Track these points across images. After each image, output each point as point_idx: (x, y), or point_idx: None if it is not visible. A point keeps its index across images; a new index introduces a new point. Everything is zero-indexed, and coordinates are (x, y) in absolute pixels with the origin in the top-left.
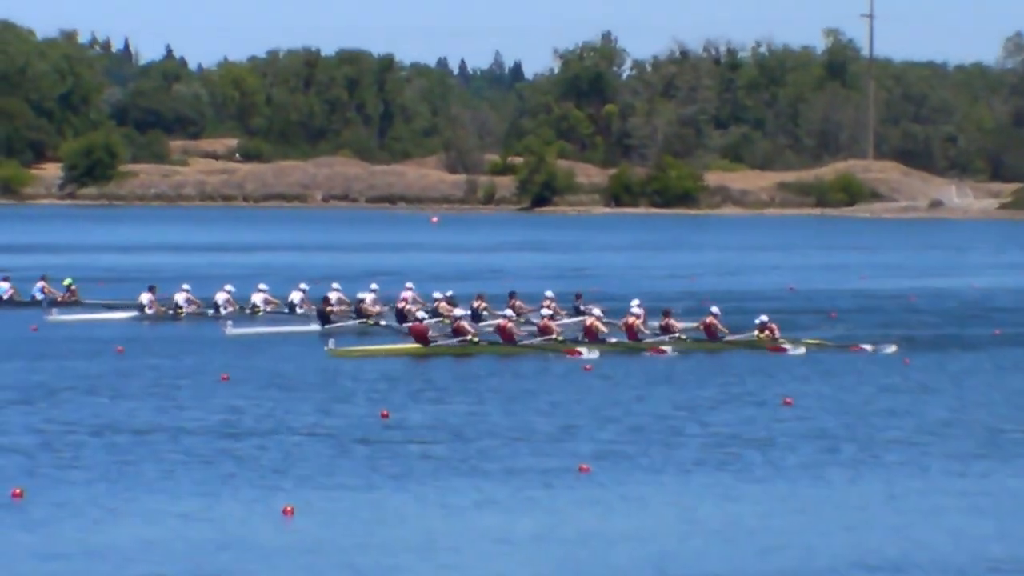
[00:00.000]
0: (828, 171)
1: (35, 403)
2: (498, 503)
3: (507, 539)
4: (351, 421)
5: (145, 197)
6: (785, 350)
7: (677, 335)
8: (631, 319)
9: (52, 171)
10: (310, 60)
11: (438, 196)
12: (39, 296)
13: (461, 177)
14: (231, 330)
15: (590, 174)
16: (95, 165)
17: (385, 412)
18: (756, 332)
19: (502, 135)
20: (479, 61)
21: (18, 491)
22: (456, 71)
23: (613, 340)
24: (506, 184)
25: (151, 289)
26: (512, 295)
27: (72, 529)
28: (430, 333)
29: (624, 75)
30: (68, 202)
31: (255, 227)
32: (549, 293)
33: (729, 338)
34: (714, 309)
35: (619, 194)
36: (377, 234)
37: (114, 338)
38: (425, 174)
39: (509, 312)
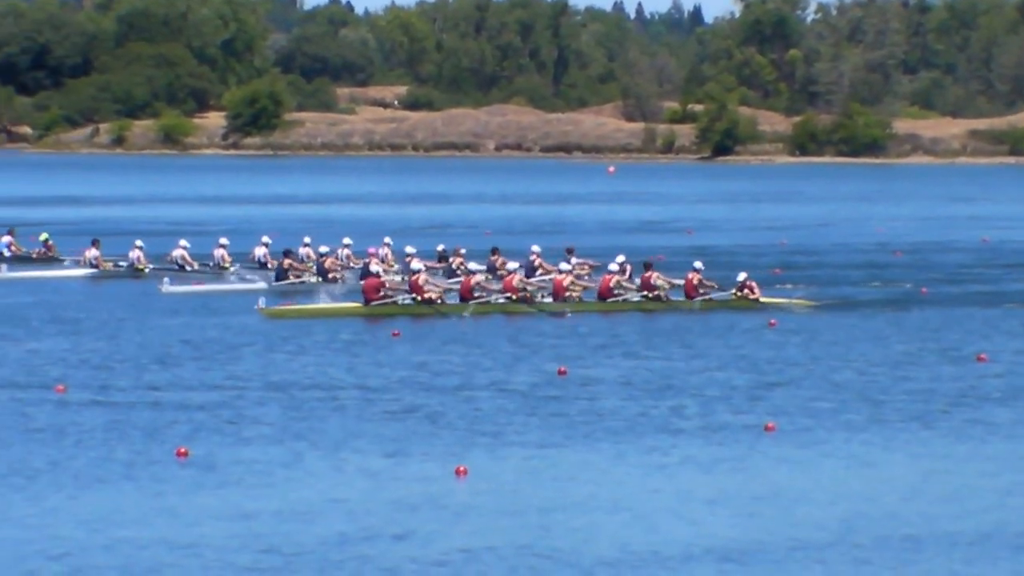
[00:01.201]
0: (1022, 118)
1: (203, 360)
2: (680, 461)
3: (690, 498)
4: (529, 378)
5: (311, 147)
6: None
7: (659, 293)
8: (606, 277)
9: (215, 120)
10: (481, 5)
11: (615, 145)
12: (6, 253)
13: (639, 125)
14: (167, 287)
15: (773, 122)
16: (259, 114)
17: (562, 368)
18: (735, 291)
19: (681, 82)
20: (656, 5)
21: (184, 450)
22: (632, 16)
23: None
24: (686, 133)
25: (95, 244)
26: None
27: (251, 488)
28: (382, 291)
29: (808, 19)
30: (232, 152)
31: (424, 177)
32: (535, 248)
33: (715, 295)
34: (697, 265)
35: (804, 143)
36: (551, 184)
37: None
38: (602, 122)
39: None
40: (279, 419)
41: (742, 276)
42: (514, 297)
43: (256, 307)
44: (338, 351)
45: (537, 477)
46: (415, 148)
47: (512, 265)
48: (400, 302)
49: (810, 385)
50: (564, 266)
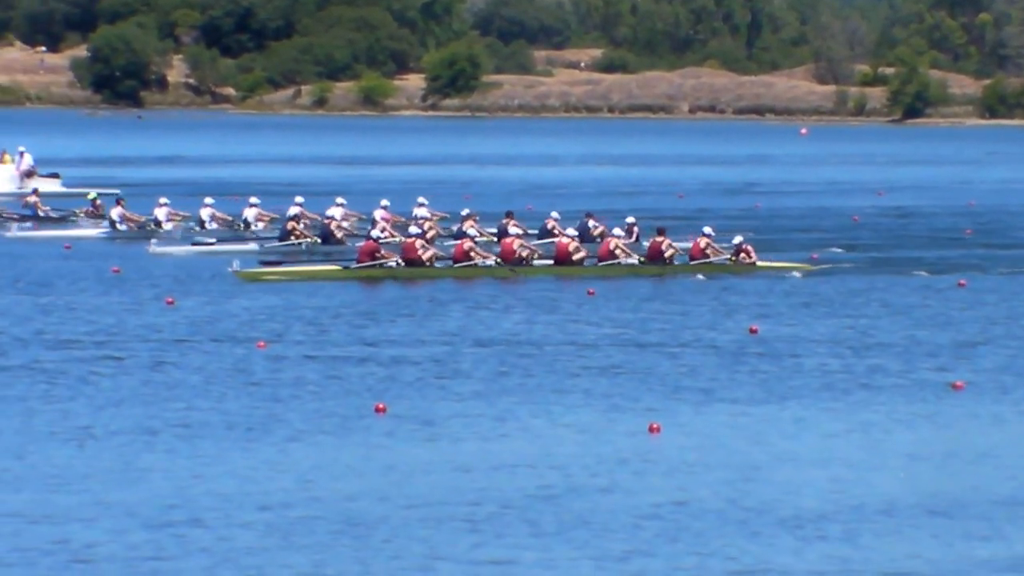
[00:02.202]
0: None
1: (400, 318)
2: (875, 417)
3: (888, 453)
4: (720, 336)
5: (508, 108)
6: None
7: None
8: (611, 240)
9: (415, 82)
10: None
11: (807, 108)
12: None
13: (830, 88)
14: (154, 248)
15: (963, 85)
16: (458, 76)
17: (754, 327)
18: (731, 255)
19: (872, 45)
20: None
21: (382, 406)
22: None
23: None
24: (877, 95)
25: (119, 203)
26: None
27: (456, 443)
28: (379, 253)
29: None
30: (430, 113)
31: (618, 139)
32: (554, 214)
33: (714, 260)
34: (706, 230)
35: (993, 105)
36: (745, 146)
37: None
38: (794, 85)
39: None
40: (481, 375)
41: (738, 239)
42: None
43: (229, 269)
44: (537, 309)
45: (735, 433)
46: (610, 110)
47: (513, 230)
48: (385, 265)
49: (1001, 344)
50: (617, 231)
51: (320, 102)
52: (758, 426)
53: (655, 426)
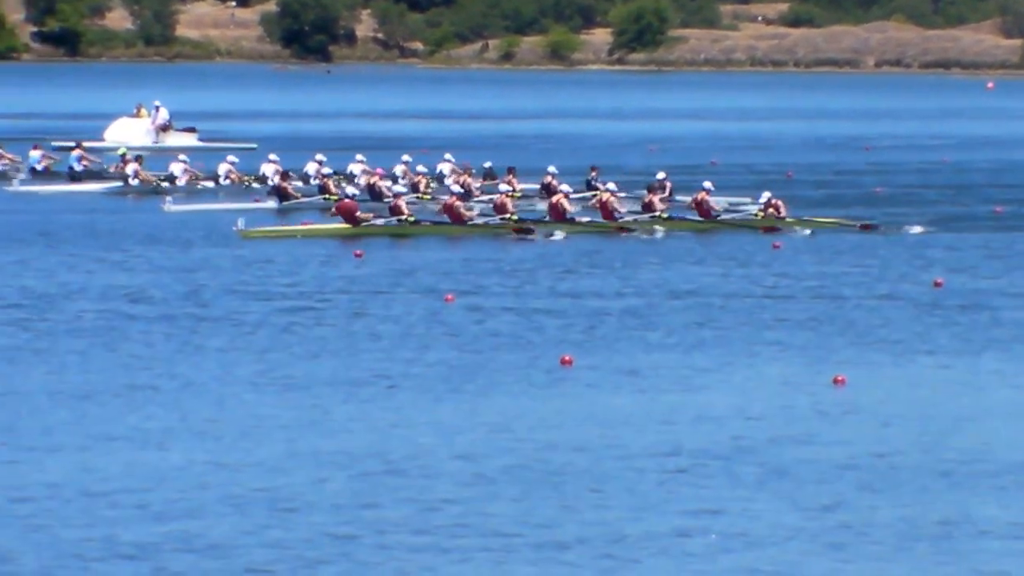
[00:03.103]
0: None
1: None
2: None
3: None
4: (902, 289)
5: (694, 63)
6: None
7: (658, 213)
8: (605, 195)
9: (601, 36)
10: None
11: (993, 62)
12: (38, 167)
13: (1017, 42)
14: (170, 207)
15: None
16: (644, 30)
17: (939, 280)
18: (758, 211)
19: None
20: None
21: (568, 358)
22: None
23: (586, 219)
24: None
25: (138, 159)
26: (510, 170)
27: (647, 394)
28: (359, 212)
29: None
30: (617, 68)
31: (804, 93)
32: (551, 168)
33: (724, 217)
34: (706, 184)
35: None
36: (931, 99)
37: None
38: (980, 39)
39: (505, 187)
40: (670, 327)
41: (766, 195)
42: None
43: (234, 228)
44: (723, 260)
45: (929, 385)
46: (796, 64)
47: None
48: (375, 221)
49: None
50: (610, 185)
51: (507, 56)
52: (952, 378)
53: (840, 378)
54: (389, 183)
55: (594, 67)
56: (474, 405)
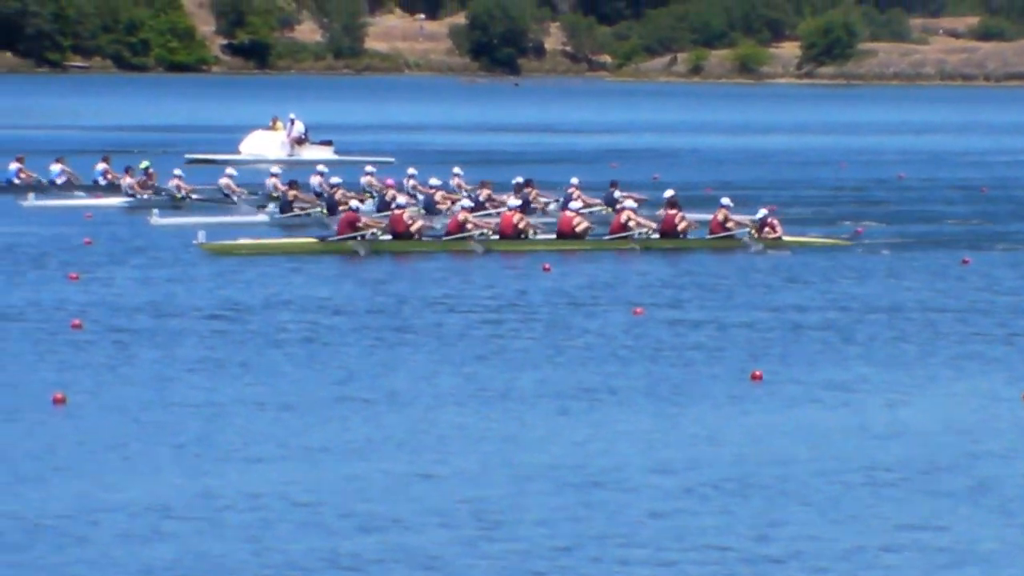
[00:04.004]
0: None
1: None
2: None
3: None
4: None
5: (883, 76)
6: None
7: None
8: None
9: (790, 50)
10: None
11: None
12: (16, 181)
13: None
14: (156, 220)
15: None
16: (833, 44)
17: None
18: (753, 229)
19: None
20: None
21: (758, 372)
22: None
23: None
24: None
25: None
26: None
27: (823, 409)
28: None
29: None
30: (805, 81)
31: (992, 107)
32: (574, 180)
33: (736, 233)
34: (725, 201)
35: None
36: None
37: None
38: None
39: (514, 202)
40: (837, 342)
41: (762, 212)
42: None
43: (194, 242)
44: (916, 274)
45: None
46: (986, 78)
47: (514, 201)
48: (368, 237)
49: None
50: (628, 202)
51: (695, 69)
52: None
53: None
54: (395, 193)
55: (782, 80)
56: (671, 418)
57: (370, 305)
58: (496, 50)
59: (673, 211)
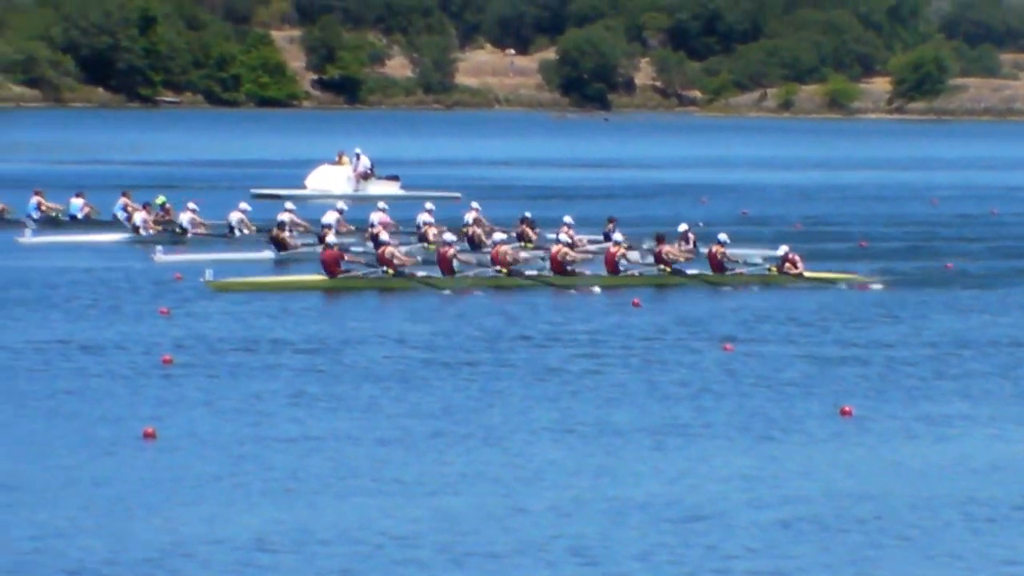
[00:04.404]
0: None
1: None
2: None
3: None
4: None
5: (974, 111)
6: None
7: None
8: (612, 247)
9: (881, 85)
10: None
11: None
12: (35, 215)
13: None
14: (160, 257)
15: None
16: (924, 79)
17: None
18: (772, 265)
19: None
20: None
21: (848, 408)
22: None
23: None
24: None
25: (146, 207)
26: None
27: (916, 444)
28: (343, 262)
29: None
30: (896, 116)
31: None
32: (567, 219)
33: (740, 270)
34: (721, 237)
35: None
36: None
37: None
38: None
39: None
40: (928, 377)
41: (783, 249)
42: (504, 271)
43: (201, 279)
44: (1015, 310)
45: None
46: None
47: (499, 236)
48: (363, 275)
49: None
50: (617, 236)
51: (786, 105)
52: None
53: None
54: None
55: (873, 116)
56: (764, 452)
57: (462, 340)
58: (586, 85)
59: (660, 246)
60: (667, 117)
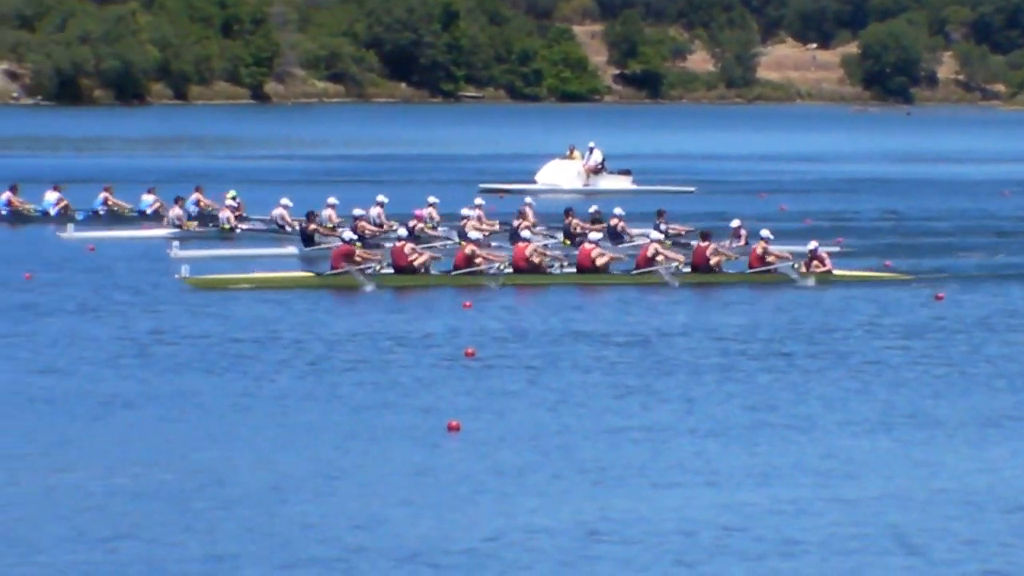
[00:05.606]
0: None
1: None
2: None
3: None
4: None
5: None
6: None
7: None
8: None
9: None
10: None
11: None
12: (100, 211)
13: None
14: (176, 252)
15: None
16: None
17: None
18: (801, 263)
19: None
20: None
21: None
22: None
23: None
24: None
25: (178, 201)
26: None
27: None
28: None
29: None
30: None
31: None
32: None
33: (780, 267)
34: (764, 233)
35: None
36: None
37: None
38: None
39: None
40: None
41: (812, 245)
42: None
43: (177, 276)
44: None
45: None
46: None
47: (527, 236)
48: (368, 271)
49: None
50: (654, 234)
51: None
52: None
53: None
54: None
55: None
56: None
57: (784, 331)
58: (888, 79)
59: (705, 243)
60: (970, 111)
